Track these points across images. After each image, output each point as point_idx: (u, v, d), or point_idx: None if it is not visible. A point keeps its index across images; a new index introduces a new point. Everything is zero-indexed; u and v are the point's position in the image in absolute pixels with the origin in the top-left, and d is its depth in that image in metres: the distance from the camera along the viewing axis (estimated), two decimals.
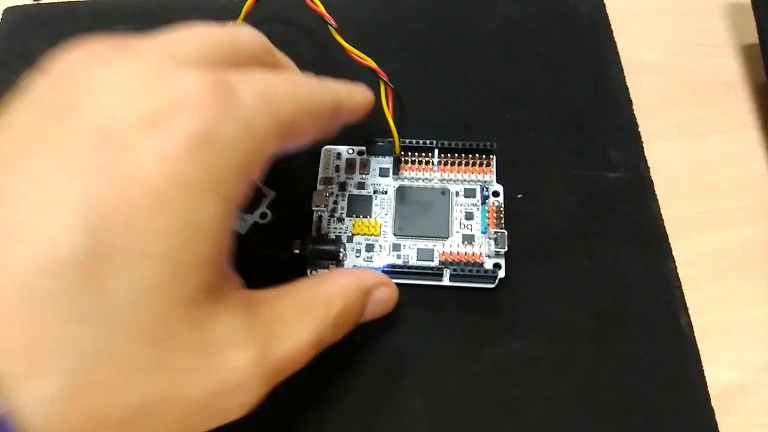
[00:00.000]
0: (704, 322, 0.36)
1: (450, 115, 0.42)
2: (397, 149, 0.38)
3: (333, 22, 0.36)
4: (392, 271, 0.36)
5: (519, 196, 0.39)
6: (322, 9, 0.37)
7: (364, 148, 0.40)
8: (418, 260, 0.37)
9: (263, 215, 0.38)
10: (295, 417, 0.34)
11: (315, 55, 0.44)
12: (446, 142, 0.39)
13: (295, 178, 0.40)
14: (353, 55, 0.36)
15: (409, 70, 0.44)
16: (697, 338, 0.35)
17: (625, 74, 0.43)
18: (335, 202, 0.38)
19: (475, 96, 0.43)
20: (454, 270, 0.35)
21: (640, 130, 0.41)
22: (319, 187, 0.39)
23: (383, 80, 0.36)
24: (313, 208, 0.38)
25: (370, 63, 0.36)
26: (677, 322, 0.36)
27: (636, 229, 0.38)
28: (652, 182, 0.40)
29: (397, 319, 0.36)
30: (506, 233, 0.36)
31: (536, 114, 0.42)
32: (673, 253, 0.38)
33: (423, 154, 0.39)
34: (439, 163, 0.39)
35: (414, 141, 0.39)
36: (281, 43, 0.47)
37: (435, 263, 0.36)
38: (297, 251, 0.36)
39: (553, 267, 0.37)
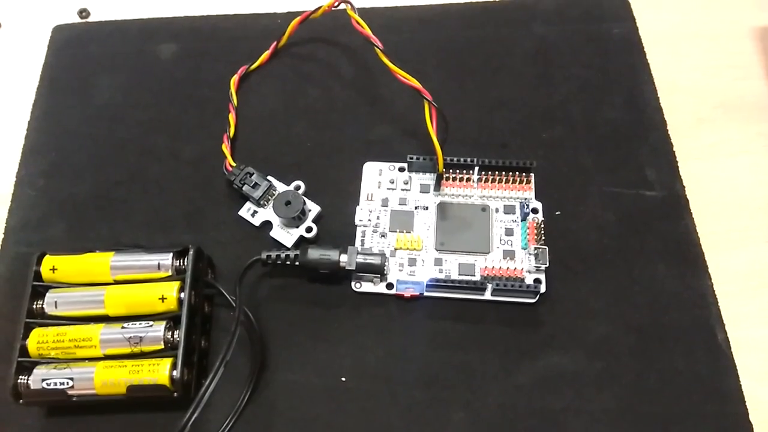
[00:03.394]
0: (740, 338, 0.37)
1: (488, 133, 0.43)
2: (441, 167, 0.39)
3: (380, 44, 0.38)
4: (436, 285, 0.37)
5: (557, 213, 0.40)
6: (368, 32, 0.38)
7: (405, 165, 0.41)
8: (460, 274, 0.38)
9: (308, 229, 0.39)
10: (342, 427, 0.35)
11: (355, 74, 0.46)
12: (486, 160, 0.40)
13: (339, 193, 0.41)
14: (399, 76, 0.38)
15: (447, 89, 0.45)
16: (734, 353, 0.36)
17: (658, 95, 0.44)
18: (378, 218, 0.40)
19: (512, 115, 0.44)
20: (497, 285, 0.36)
21: (674, 149, 0.42)
22: (362, 202, 0.40)
23: (428, 100, 0.37)
24: (357, 223, 0.39)
25: (415, 83, 0.37)
26: (714, 337, 0.36)
27: (673, 246, 0.39)
28: (687, 200, 0.40)
29: (439, 332, 0.37)
30: (547, 249, 0.37)
31: (572, 133, 0.43)
32: (708, 269, 0.38)
33: (463, 171, 0.40)
34: (479, 180, 0.40)
35: (455, 159, 0.40)
36: (323, 63, 0.49)
37: (477, 278, 0.37)
38: (343, 264, 0.37)
39: (592, 283, 0.38)
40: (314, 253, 0.37)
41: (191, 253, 0.35)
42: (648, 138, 0.43)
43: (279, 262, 0.37)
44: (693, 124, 0.44)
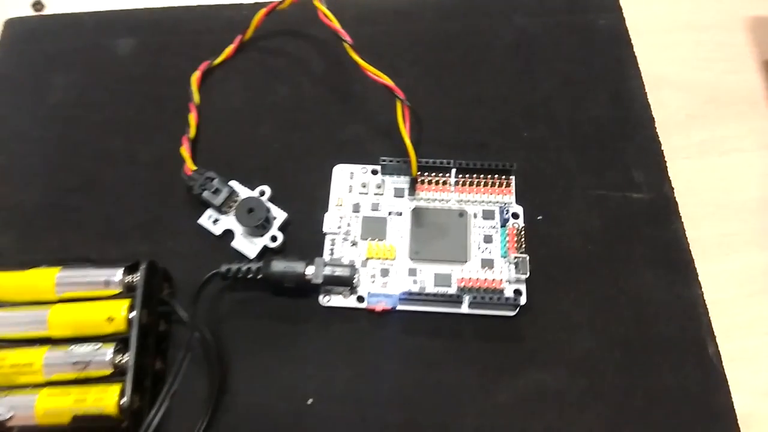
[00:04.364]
0: (732, 350, 0.35)
1: (466, 132, 0.41)
2: (414, 171, 0.36)
3: (348, 39, 0.35)
4: (409, 298, 0.34)
5: (539, 217, 0.38)
6: (337, 25, 0.35)
7: (378, 167, 0.38)
8: (435, 286, 0.35)
9: (273, 238, 0.36)
10: None
11: (326, 70, 0.43)
12: (464, 162, 0.37)
13: (307, 198, 0.38)
14: (369, 72, 0.35)
15: (422, 85, 0.42)
16: (725, 367, 0.34)
17: (646, 90, 0.42)
18: (348, 225, 0.37)
19: (491, 113, 0.41)
20: (474, 297, 0.34)
21: (662, 149, 0.40)
22: (332, 208, 0.37)
23: (400, 98, 0.35)
24: (325, 231, 0.37)
25: (387, 81, 0.35)
26: (705, 350, 0.34)
27: (661, 252, 0.37)
28: (676, 203, 0.38)
29: (413, 348, 0.34)
30: (528, 258, 0.35)
31: (555, 132, 0.40)
32: (699, 278, 0.36)
33: (440, 174, 0.38)
34: (457, 183, 0.38)
35: (430, 161, 0.37)
36: (291, 57, 0.46)
37: (453, 290, 0.35)
38: (309, 277, 0.34)
39: (575, 293, 0.36)
40: (278, 266, 0.34)
41: (143, 268, 0.33)
42: (635, 137, 0.40)
43: (240, 275, 0.34)
44: (682, 121, 0.42)
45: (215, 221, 0.37)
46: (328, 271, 0.34)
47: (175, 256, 0.37)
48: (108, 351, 0.31)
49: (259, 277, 0.34)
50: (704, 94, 0.43)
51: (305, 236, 0.37)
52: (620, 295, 0.36)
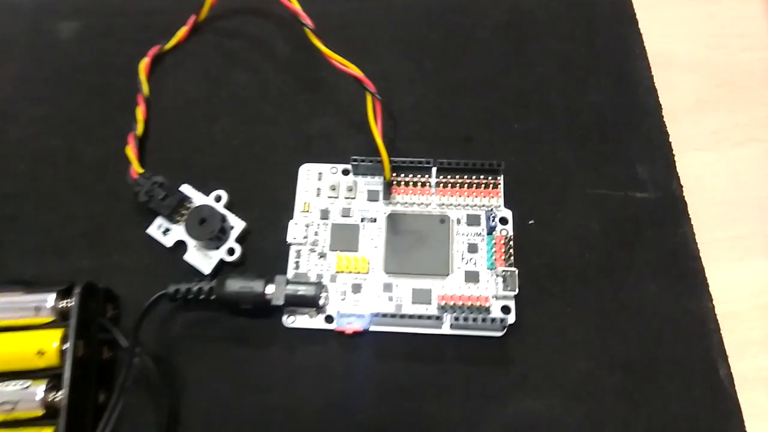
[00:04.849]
0: (745, 369, 0.31)
1: (449, 124, 0.36)
2: (387, 174, 0.32)
3: (309, 23, 0.30)
4: (382, 320, 0.30)
5: (531, 222, 0.33)
6: (297, 6, 0.31)
7: (349, 166, 0.34)
8: (413, 303, 0.31)
9: (231, 251, 0.32)
10: None
11: (292, 54, 0.38)
12: (445, 161, 0.33)
13: (270, 204, 0.34)
14: (334, 61, 0.30)
15: (400, 70, 0.38)
16: (737, 389, 0.30)
17: (652, 72, 0.37)
18: (316, 234, 0.33)
19: (478, 101, 0.37)
20: (456, 318, 0.30)
21: (670, 140, 0.35)
22: (297, 214, 0.33)
23: (370, 92, 0.30)
24: (290, 242, 0.32)
25: (355, 71, 0.30)
26: (715, 372, 0.31)
27: (667, 260, 0.33)
28: (685, 203, 0.34)
29: (389, 374, 0.31)
30: (517, 272, 0.31)
31: (550, 122, 0.36)
32: (709, 288, 0.32)
33: (418, 174, 0.33)
34: (438, 184, 0.33)
35: (407, 161, 0.33)
36: (252, 40, 0.41)
37: (433, 308, 0.31)
38: (269, 297, 0.30)
39: (571, 308, 0.32)
40: (233, 285, 0.30)
41: (77, 292, 0.29)
42: (640, 126, 0.36)
43: (190, 296, 0.30)
44: (692, 106, 0.37)
45: (165, 231, 0.33)
46: (290, 290, 0.30)
47: (121, 271, 0.33)
48: (38, 389, 0.27)
49: (212, 298, 0.30)
50: (717, 76, 0.38)
51: (267, 247, 0.33)
52: (621, 310, 0.32)
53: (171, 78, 0.38)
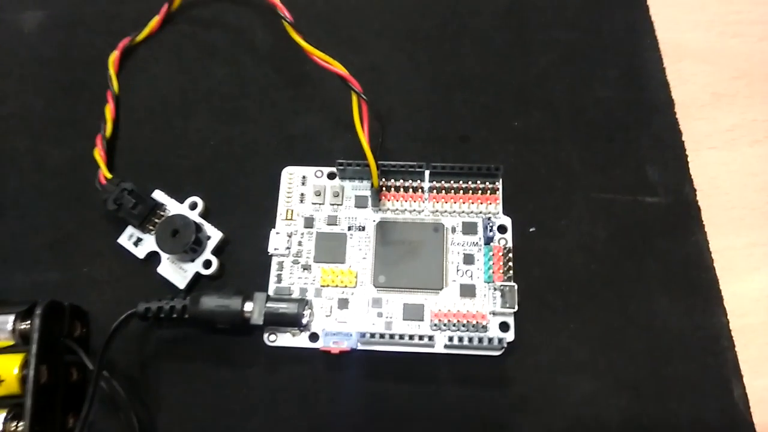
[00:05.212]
0: (761, 389, 0.29)
1: (444, 122, 0.33)
2: (375, 182, 0.29)
3: (288, 15, 0.27)
4: (370, 339, 0.28)
5: (531, 229, 0.31)
6: None
7: (335, 169, 0.31)
8: (404, 319, 0.29)
9: (207, 264, 0.30)
10: None
11: (273, 46, 0.35)
12: (440, 165, 0.30)
13: (250, 210, 0.32)
14: (316, 58, 0.28)
15: (391, 62, 0.35)
16: (752, 410, 0.28)
17: (664, 64, 0.34)
18: (299, 244, 0.30)
19: (475, 97, 0.34)
20: (450, 338, 0.28)
21: (683, 138, 0.33)
22: (279, 223, 0.31)
23: (355, 91, 0.27)
24: (271, 253, 0.30)
25: (338, 69, 0.27)
26: (729, 393, 0.28)
27: (679, 270, 0.30)
28: (698, 208, 0.31)
29: (378, 396, 0.28)
30: (516, 288, 0.28)
31: (553, 120, 0.33)
32: (724, 300, 0.30)
33: (410, 178, 0.31)
34: (431, 189, 0.31)
35: (398, 164, 0.30)
36: (231, 30, 0.38)
37: (426, 326, 0.29)
38: (248, 315, 0.28)
39: (574, 324, 0.29)
40: (208, 303, 0.28)
41: (38, 313, 0.26)
42: (650, 124, 0.33)
43: (162, 315, 0.28)
44: (707, 101, 0.35)
45: (137, 241, 0.31)
46: (270, 308, 0.28)
47: (91, 285, 0.31)
48: None
49: (185, 317, 0.28)
50: (734, 67, 0.36)
51: (247, 258, 0.31)
52: (629, 326, 0.29)
53: (142, 73, 0.35)
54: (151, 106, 0.34)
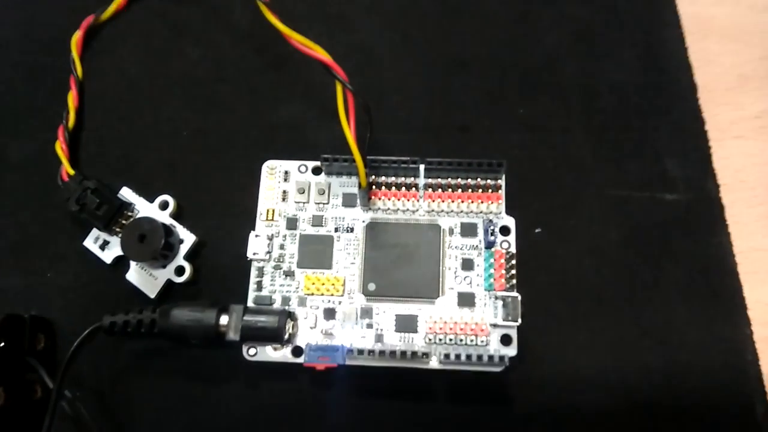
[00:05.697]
0: None
1: (441, 110, 0.30)
2: (363, 181, 0.26)
3: None
4: (359, 355, 0.25)
5: (537, 230, 0.28)
6: None
7: (319, 163, 0.28)
8: (397, 331, 0.26)
9: (180, 271, 0.27)
10: None
11: (253, 23, 0.32)
12: (436, 160, 0.27)
13: (225, 209, 0.29)
14: (294, 42, 0.24)
15: (382, 42, 0.32)
16: None
17: (686, 44, 0.31)
18: (282, 247, 0.28)
19: (476, 81, 0.31)
20: (446, 354, 0.25)
21: (706, 127, 0.30)
22: (259, 224, 0.28)
23: (340, 81, 0.24)
24: (250, 258, 0.27)
25: (321, 54, 0.24)
26: (751, 413, 0.26)
27: (700, 276, 0.28)
28: (721, 206, 0.29)
29: (368, 416, 0.26)
30: (519, 299, 0.25)
31: (562, 106, 0.30)
32: (748, 309, 0.27)
33: (403, 174, 0.28)
34: (426, 187, 0.28)
35: (390, 160, 0.27)
36: (206, 6, 0.33)
37: (420, 339, 0.26)
38: (223, 329, 0.25)
39: (583, 335, 0.27)
40: (180, 317, 0.25)
41: None
42: (670, 110, 0.30)
43: (129, 329, 0.25)
44: (733, 84, 0.31)
45: (104, 244, 0.28)
46: (248, 321, 0.25)
47: (55, 292, 0.28)
48: None
49: (155, 332, 0.25)
50: (765, 46, 0.32)
51: (224, 263, 0.28)
52: (643, 338, 0.27)
53: (108, 55, 0.32)
54: (118, 92, 0.31)
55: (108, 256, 0.28)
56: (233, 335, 0.25)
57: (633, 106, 0.30)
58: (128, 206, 0.28)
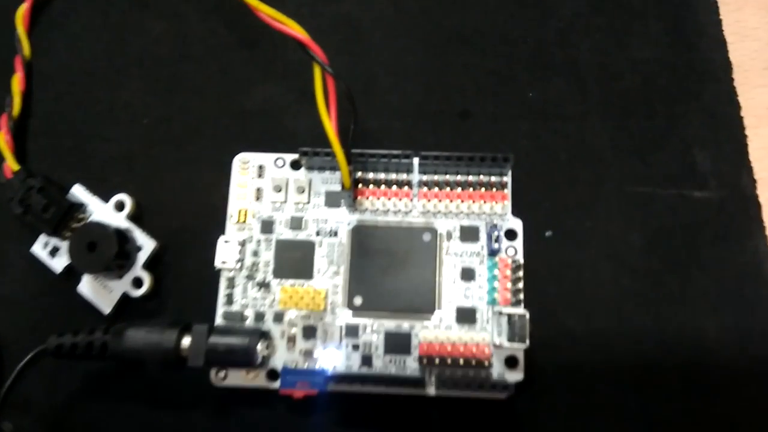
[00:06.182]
0: None
1: (439, 93, 0.27)
2: (347, 181, 0.22)
3: None
4: (343, 381, 0.22)
5: (548, 233, 0.25)
6: None
7: (298, 156, 0.24)
8: (386, 353, 0.23)
9: (137, 283, 0.24)
10: None
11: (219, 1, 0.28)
12: (432, 154, 0.23)
13: (191, 210, 0.25)
14: (263, 15, 0.20)
15: (372, 14, 0.28)
16: None
17: (720, 16, 0.27)
18: (255, 254, 0.24)
19: (478, 60, 0.27)
20: (443, 381, 0.22)
21: (741, 113, 0.26)
22: (229, 227, 0.24)
23: (318, 62, 0.20)
24: (219, 267, 0.24)
25: (294, 30, 0.20)
26: None
27: (733, 286, 0.24)
28: (758, 205, 0.25)
29: None
30: (527, 317, 0.22)
31: (578, 89, 0.26)
32: None
33: (395, 169, 0.24)
34: (421, 184, 0.24)
35: (379, 153, 0.23)
36: None
37: (413, 362, 0.23)
38: (185, 354, 0.22)
39: (600, 356, 0.23)
40: (135, 339, 0.22)
41: None
42: (700, 93, 0.26)
43: (78, 353, 0.22)
44: None
45: (54, 251, 0.24)
46: (214, 344, 0.22)
47: (0, 304, 0.25)
48: None
49: (107, 355, 0.22)
50: None
51: (189, 273, 0.25)
52: (668, 358, 0.23)
53: (59, 30, 0.28)
54: (71, 74, 0.27)
55: (58, 264, 0.24)
56: (197, 360, 0.22)
57: (658, 88, 0.26)
58: (79, 207, 0.24)
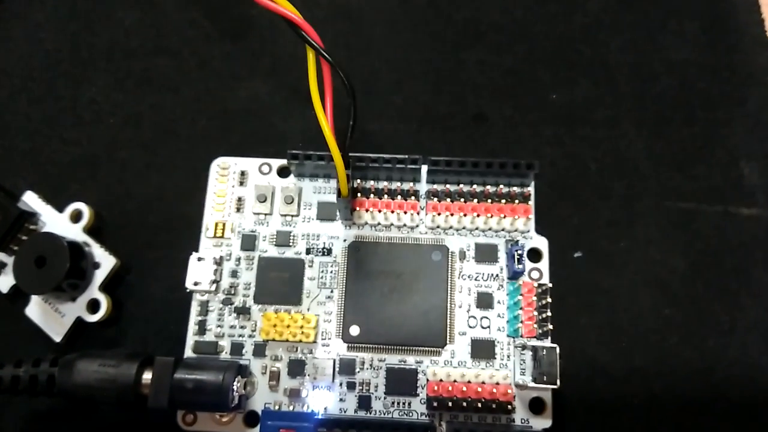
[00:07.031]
0: None
1: (450, 94, 0.23)
2: (344, 187, 0.19)
3: None
4: (336, 426, 0.18)
5: (577, 254, 0.21)
6: None
7: (286, 161, 0.21)
8: (388, 394, 0.19)
9: (94, 305, 0.20)
10: None
11: None
12: (442, 159, 0.20)
13: (161, 223, 0.22)
14: None
15: (373, 9, 0.25)
16: None
17: (762, 15, 0.24)
18: (234, 275, 0.20)
19: (494, 58, 0.24)
20: (455, 427, 0.18)
21: None
22: (204, 242, 0.21)
23: (313, 45, 0.17)
24: (190, 288, 0.20)
25: (286, 9, 0.17)
26: None
27: None
28: None
29: None
30: (557, 350, 0.18)
31: (608, 92, 0.23)
32: None
33: (399, 178, 0.21)
34: (430, 195, 0.21)
35: (382, 158, 0.20)
36: None
37: (419, 406, 0.19)
38: (146, 392, 0.18)
39: (638, 396, 0.20)
40: (87, 372, 0.18)
41: None
42: (745, 99, 0.24)
43: (20, 387, 0.18)
44: None
45: (0, 267, 0.21)
46: (181, 380, 0.18)
47: None
48: None
49: (54, 391, 0.18)
50: None
51: (155, 295, 0.21)
52: (718, 399, 0.20)
53: (19, 20, 0.25)
54: (30, 67, 0.24)
55: (3, 283, 0.21)
56: (159, 400, 0.18)
57: (698, 92, 0.23)
58: (30, 217, 0.21)
